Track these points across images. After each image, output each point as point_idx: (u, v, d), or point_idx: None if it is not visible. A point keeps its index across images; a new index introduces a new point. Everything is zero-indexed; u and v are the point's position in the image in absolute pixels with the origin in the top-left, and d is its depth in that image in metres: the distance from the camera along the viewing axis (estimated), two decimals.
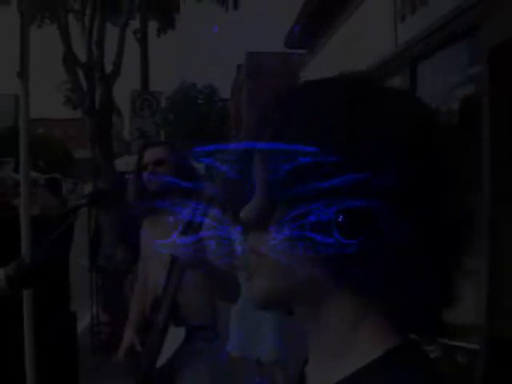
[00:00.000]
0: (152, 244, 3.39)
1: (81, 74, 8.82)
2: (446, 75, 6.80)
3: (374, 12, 8.74)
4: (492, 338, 4.41)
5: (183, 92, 45.66)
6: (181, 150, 3.75)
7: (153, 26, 14.26)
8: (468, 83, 6.24)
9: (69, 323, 5.53)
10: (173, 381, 3.35)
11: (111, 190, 8.21)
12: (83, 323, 8.03)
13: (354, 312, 0.89)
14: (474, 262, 5.54)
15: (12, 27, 4.27)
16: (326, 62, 11.74)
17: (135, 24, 14.06)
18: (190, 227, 3.06)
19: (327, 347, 0.91)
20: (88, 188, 14.92)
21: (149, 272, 3.62)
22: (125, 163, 19.77)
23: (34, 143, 5.24)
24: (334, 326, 0.90)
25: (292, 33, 14.40)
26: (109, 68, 9.03)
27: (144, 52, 15.37)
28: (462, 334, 3.85)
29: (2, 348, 4.36)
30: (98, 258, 8.22)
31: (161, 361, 3.25)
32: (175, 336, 3.28)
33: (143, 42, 15.08)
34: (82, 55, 8.91)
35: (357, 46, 9.28)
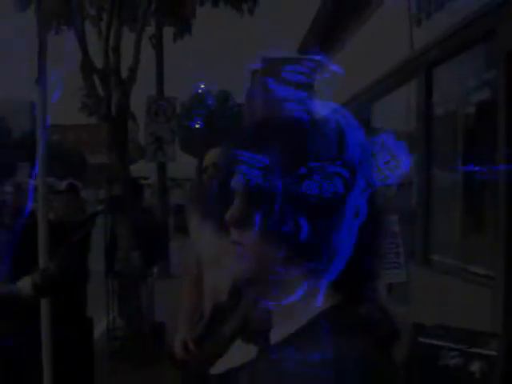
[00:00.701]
0: (211, 245, 3.33)
1: (97, 80, 8.84)
2: (461, 80, 6.79)
3: (389, 17, 8.73)
4: (510, 344, 4.38)
5: (198, 98, 45.76)
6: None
7: (170, 31, 14.24)
8: (483, 88, 6.23)
9: (85, 329, 5.55)
10: None
11: (128, 196, 8.23)
12: (99, 329, 8.06)
13: (310, 282, 1.19)
14: (490, 268, 5.52)
15: (28, 33, 4.30)
16: (342, 68, 11.71)
17: (151, 30, 14.10)
18: None
19: (288, 309, 1.20)
20: (103, 194, 14.94)
21: (207, 272, 3.52)
22: (140, 169, 19.85)
23: (50, 149, 5.26)
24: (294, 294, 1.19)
25: (306, 38, 14.39)
26: (124, 74, 9.05)
27: (159, 58, 15.41)
28: (480, 341, 3.83)
29: (21, 351, 4.38)
30: (115, 263, 8.23)
31: (217, 369, 3.14)
32: (242, 350, 3.18)
33: (158, 47, 15.11)
34: (98, 61, 8.93)
35: (373, 50, 9.27)
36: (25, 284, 1.50)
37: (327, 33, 12.80)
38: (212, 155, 3.71)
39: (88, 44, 8.97)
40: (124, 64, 9.14)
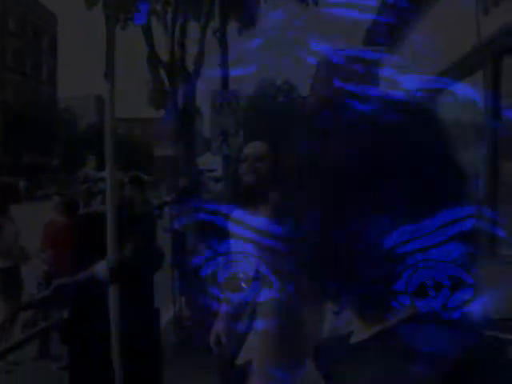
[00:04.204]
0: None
1: (163, 73, 8.96)
2: None
3: (456, 5, 8.60)
4: None
5: (262, 90, 45.79)
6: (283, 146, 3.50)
7: (234, 25, 14.29)
8: None
9: (153, 319, 5.63)
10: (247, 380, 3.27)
11: (194, 188, 8.32)
12: (166, 318, 8.17)
13: None
14: None
15: (94, 29, 4.39)
16: (407, 59, 11.58)
17: (215, 23, 14.17)
18: None
19: None
20: (170, 186, 15.10)
21: None
22: (206, 161, 19.98)
23: (117, 142, 5.33)
24: None
25: (370, 30, 14.26)
26: (190, 68, 9.15)
27: (224, 51, 15.47)
28: None
29: (91, 341, 4.47)
30: (181, 254, 8.33)
31: (239, 360, 3.21)
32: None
33: (223, 41, 15.18)
34: (164, 55, 9.05)
35: (439, 40, 9.13)
36: (100, 268, 1.54)
37: (391, 23, 12.66)
38: (254, 147, 3.47)
39: (154, 38, 9.11)
40: (189, 58, 9.24)
